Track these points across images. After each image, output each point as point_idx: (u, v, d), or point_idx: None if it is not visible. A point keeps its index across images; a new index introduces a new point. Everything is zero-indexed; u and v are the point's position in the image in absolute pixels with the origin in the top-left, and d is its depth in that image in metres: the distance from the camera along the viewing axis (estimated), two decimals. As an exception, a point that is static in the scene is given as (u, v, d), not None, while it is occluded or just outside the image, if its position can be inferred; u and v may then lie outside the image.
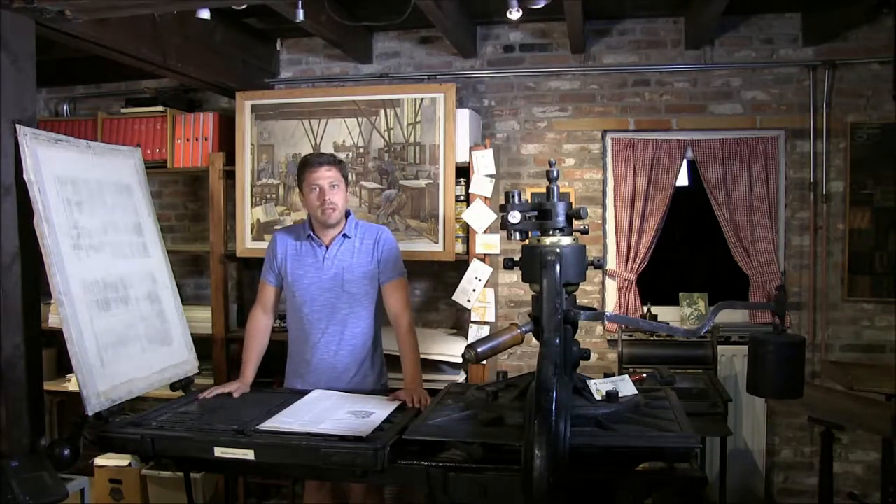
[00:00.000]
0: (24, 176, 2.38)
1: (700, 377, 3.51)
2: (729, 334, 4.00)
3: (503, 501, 2.02)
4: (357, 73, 4.34)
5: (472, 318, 3.64)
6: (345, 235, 2.88)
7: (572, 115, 4.16)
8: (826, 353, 3.94)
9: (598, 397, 2.09)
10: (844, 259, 3.93)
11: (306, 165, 2.83)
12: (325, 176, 2.78)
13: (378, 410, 2.48)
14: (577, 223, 2.26)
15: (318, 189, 2.79)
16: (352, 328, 2.87)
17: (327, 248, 2.88)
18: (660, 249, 4.07)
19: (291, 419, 2.39)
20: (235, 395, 2.77)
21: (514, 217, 2.15)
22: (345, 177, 2.87)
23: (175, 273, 3.12)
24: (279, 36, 4.37)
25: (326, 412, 2.47)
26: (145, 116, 4.10)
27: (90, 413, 2.40)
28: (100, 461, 3.87)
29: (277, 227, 3.81)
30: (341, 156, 3.73)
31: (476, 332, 3.59)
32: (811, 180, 3.94)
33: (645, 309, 3.98)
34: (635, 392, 2.15)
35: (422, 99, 3.69)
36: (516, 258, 2.22)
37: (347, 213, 2.93)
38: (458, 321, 4.17)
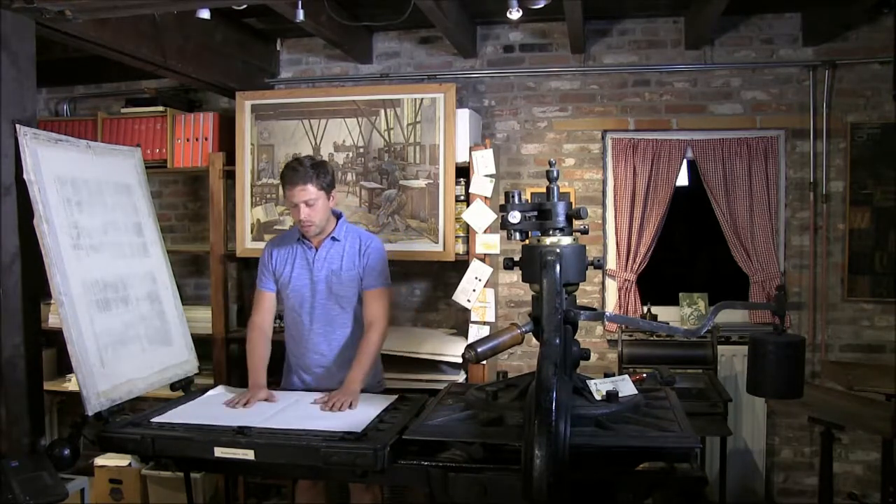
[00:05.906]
0: (24, 176, 2.38)
1: (700, 377, 3.51)
2: (729, 334, 4.00)
3: (503, 501, 2.02)
4: (357, 73, 4.34)
5: (472, 318, 3.63)
6: (333, 239, 2.89)
7: (572, 115, 4.16)
8: (826, 353, 3.94)
9: (598, 397, 2.09)
10: (844, 259, 3.93)
11: (283, 180, 2.81)
12: (300, 196, 2.76)
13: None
14: (577, 223, 2.26)
15: (295, 206, 2.79)
16: (343, 329, 2.91)
17: (317, 250, 2.90)
18: (660, 249, 4.07)
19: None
20: (263, 399, 2.66)
21: (514, 217, 2.14)
22: (325, 186, 2.80)
23: (175, 273, 3.12)
24: (279, 36, 4.37)
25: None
26: (145, 116, 4.10)
27: (90, 413, 2.40)
28: (100, 461, 3.87)
29: (276, 228, 3.83)
30: (340, 156, 3.74)
31: (476, 332, 3.59)
32: (811, 180, 3.94)
33: (645, 309, 3.98)
34: (635, 392, 2.15)
35: (422, 99, 3.69)
36: (516, 258, 2.22)
37: (339, 216, 2.95)
38: (458, 321, 4.17)
